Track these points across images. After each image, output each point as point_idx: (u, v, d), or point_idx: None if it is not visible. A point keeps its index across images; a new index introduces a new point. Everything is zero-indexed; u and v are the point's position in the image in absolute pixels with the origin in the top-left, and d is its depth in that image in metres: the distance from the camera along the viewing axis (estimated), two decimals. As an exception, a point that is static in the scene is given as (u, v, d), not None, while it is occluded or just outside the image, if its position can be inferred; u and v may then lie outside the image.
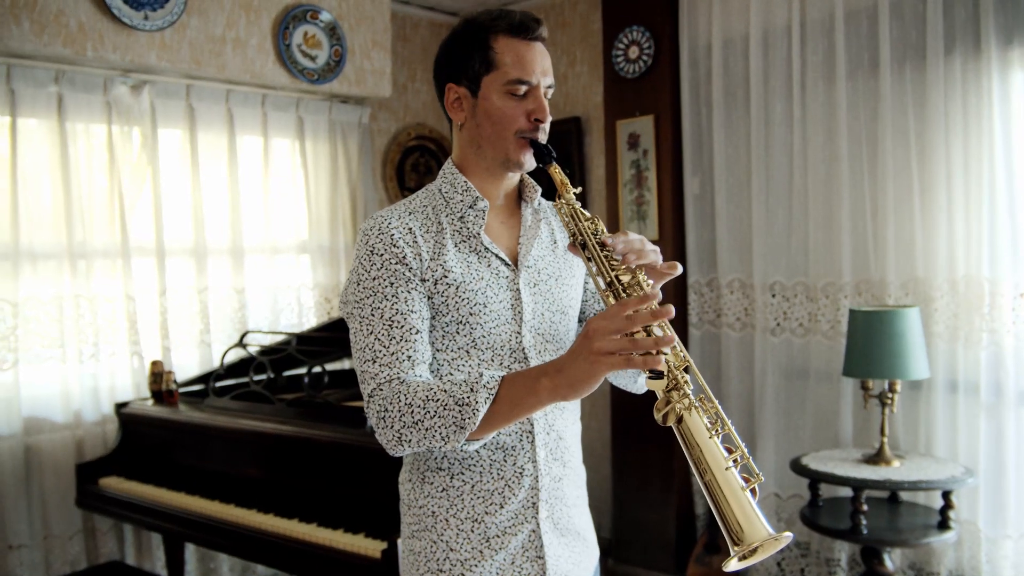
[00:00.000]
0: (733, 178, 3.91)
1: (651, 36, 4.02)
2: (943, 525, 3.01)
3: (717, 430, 1.33)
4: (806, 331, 3.71)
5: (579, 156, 4.65)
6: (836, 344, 3.57)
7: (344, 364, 3.92)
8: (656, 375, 1.34)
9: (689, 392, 1.34)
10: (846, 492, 3.38)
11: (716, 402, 1.37)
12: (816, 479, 3.19)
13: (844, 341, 3.38)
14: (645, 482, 4.15)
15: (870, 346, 3.07)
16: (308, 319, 4.38)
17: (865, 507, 2.98)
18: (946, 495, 3.01)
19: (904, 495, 3.30)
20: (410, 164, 4.98)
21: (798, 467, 3.23)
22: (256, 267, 4.18)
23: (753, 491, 1.31)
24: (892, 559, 3.13)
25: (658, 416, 1.34)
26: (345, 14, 4.16)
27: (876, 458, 3.15)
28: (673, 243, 4.05)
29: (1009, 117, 3.15)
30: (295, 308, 4.34)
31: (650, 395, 1.40)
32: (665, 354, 1.34)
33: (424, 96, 4.99)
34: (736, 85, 3.87)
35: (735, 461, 1.31)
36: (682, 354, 1.38)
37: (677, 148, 4.06)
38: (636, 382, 1.70)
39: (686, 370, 1.37)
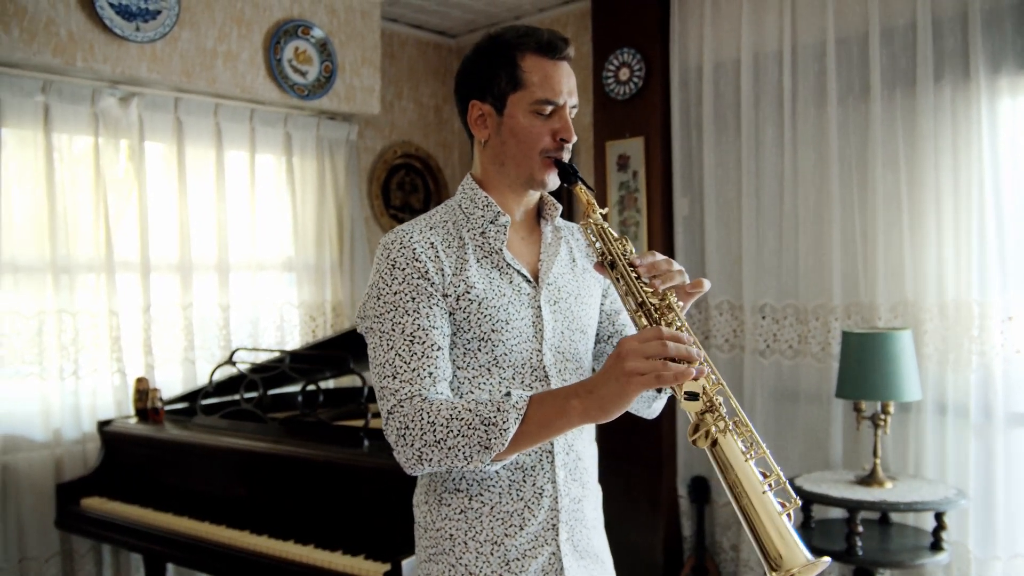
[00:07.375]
0: (723, 200, 3.93)
1: (642, 58, 4.05)
2: (936, 546, 3.03)
3: (752, 453, 1.32)
4: (796, 353, 3.73)
5: (567, 176, 4.64)
6: (826, 366, 3.59)
7: (334, 383, 3.87)
8: (691, 397, 1.32)
9: (724, 414, 1.33)
10: (837, 513, 3.40)
11: (751, 425, 1.36)
12: (810, 500, 3.19)
13: (834, 363, 3.40)
14: (633, 504, 4.13)
15: (863, 368, 3.09)
16: (292, 337, 4.32)
17: (860, 528, 2.99)
18: (939, 516, 3.03)
19: (895, 516, 3.32)
20: (396, 182, 4.96)
21: (792, 488, 3.23)
22: (241, 284, 4.11)
23: (789, 515, 1.29)
24: (884, 581, 3.14)
25: (692, 439, 1.33)
26: (336, 30, 4.14)
27: (869, 479, 3.16)
28: (662, 264, 4.04)
29: (997, 143, 3.20)
30: (278, 326, 4.27)
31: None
32: (701, 374, 1.33)
33: (411, 114, 4.98)
34: (726, 108, 3.90)
35: (770, 485, 1.30)
36: (714, 377, 1.36)
37: (667, 170, 4.08)
38: (651, 407, 1.68)
39: (719, 393, 1.35)
